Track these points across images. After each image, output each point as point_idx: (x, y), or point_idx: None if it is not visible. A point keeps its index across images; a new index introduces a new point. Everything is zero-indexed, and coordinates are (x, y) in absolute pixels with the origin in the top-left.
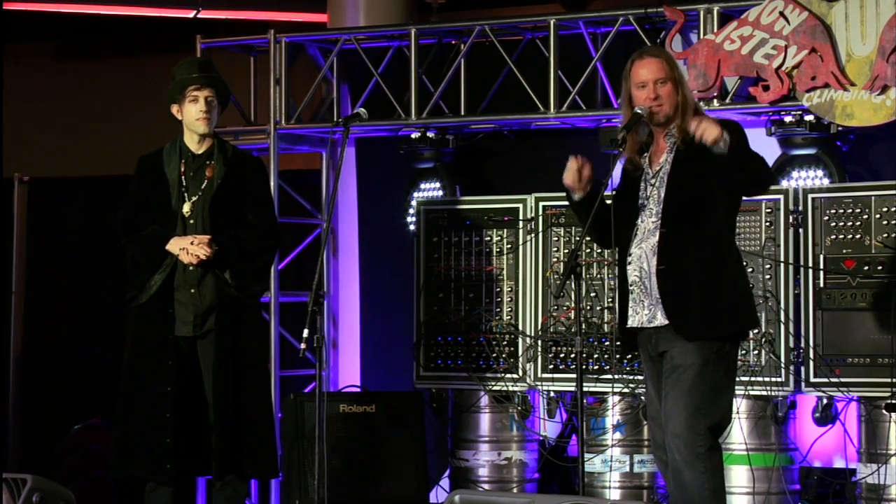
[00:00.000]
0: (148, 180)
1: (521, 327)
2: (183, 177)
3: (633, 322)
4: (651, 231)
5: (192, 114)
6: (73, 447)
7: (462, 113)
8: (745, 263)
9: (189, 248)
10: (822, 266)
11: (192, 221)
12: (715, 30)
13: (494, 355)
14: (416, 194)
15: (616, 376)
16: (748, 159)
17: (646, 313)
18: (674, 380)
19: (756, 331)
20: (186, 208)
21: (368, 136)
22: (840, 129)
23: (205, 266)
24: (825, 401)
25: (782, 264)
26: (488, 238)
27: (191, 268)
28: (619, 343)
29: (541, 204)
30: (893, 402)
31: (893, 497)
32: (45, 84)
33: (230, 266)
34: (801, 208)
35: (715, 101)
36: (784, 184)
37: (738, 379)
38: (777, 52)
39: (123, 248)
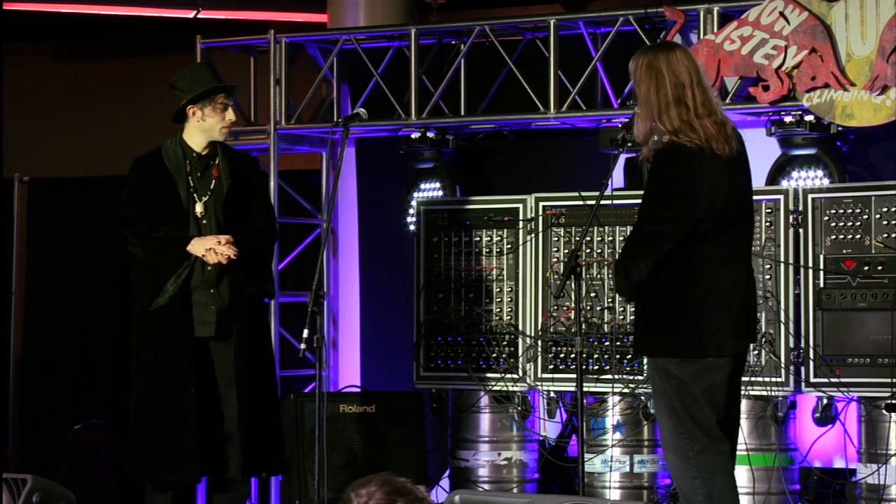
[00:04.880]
0: (151, 181)
1: (521, 327)
2: (190, 177)
3: None
4: None
5: (219, 121)
6: (73, 447)
7: (462, 113)
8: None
9: (217, 249)
10: (822, 266)
11: (204, 222)
12: (715, 30)
13: (494, 355)
14: (416, 194)
15: (616, 376)
16: (628, 265)
17: None
18: (652, 390)
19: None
20: (199, 209)
21: (368, 136)
22: (840, 129)
23: (224, 266)
24: (825, 401)
25: (782, 264)
26: (488, 238)
27: (209, 268)
28: None
29: (541, 204)
30: (893, 402)
31: (893, 497)
32: (45, 84)
33: (248, 266)
34: (801, 208)
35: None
36: (784, 184)
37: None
38: (777, 53)
39: (131, 251)
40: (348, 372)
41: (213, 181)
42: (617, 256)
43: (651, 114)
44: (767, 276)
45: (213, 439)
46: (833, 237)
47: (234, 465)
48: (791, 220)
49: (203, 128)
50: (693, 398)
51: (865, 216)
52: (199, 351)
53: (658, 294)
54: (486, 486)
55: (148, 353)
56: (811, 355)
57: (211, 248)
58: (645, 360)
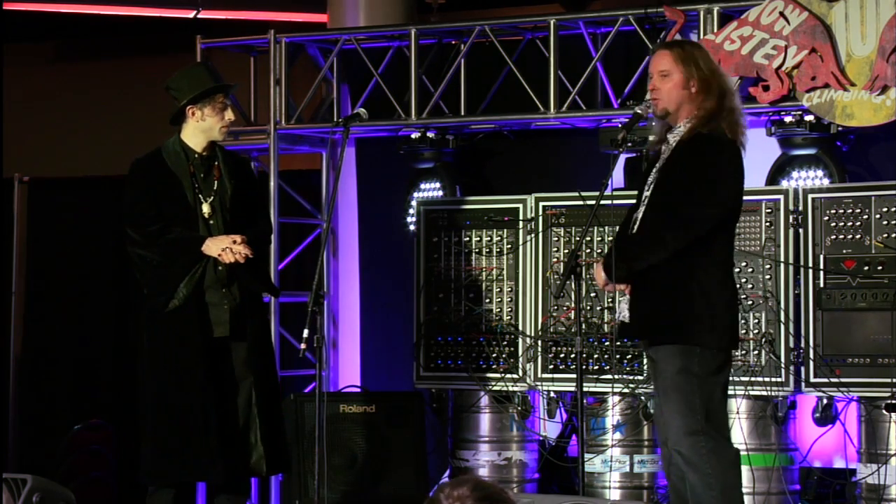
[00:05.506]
0: (155, 183)
1: (521, 327)
2: (194, 178)
3: (618, 316)
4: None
5: (219, 122)
6: (73, 447)
7: (462, 113)
8: (742, 266)
9: (233, 248)
10: (822, 266)
11: (212, 223)
12: (715, 30)
13: (494, 355)
14: (416, 194)
15: (616, 376)
16: (637, 260)
17: (628, 309)
18: (661, 385)
19: (756, 331)
20: (206, 209)
21: (368, 136)
22: (840, 129)
23: (234, 266)
24: (825, 401)
25: (782, 264)
26: (488, 238)
27: (220, 268)
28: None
29: (541, 204)
30: (893, 402)
31: (893, 497)
32: (45, 84)
33: (256, 265)
34: (801, 208)
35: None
36: (784, 184)
37: (738, 379)
38: (777, 52)
39: (141, 253)
40: (348, 372)
41: (216, 182)
42: (652, 224)
43: (712, 92)
44: (767, 276)
45: (227, 438)
46: (833, 237)
47: (253, 462)
48: (791, 220)
49: (203, 128)
50: (713, 394)
51: (865, 216)
52: (216, 351)
53: (682, 280)
54: None
55: (165, 355)
56: (811, 355)
57: (227, 248)
58: (652, 354)
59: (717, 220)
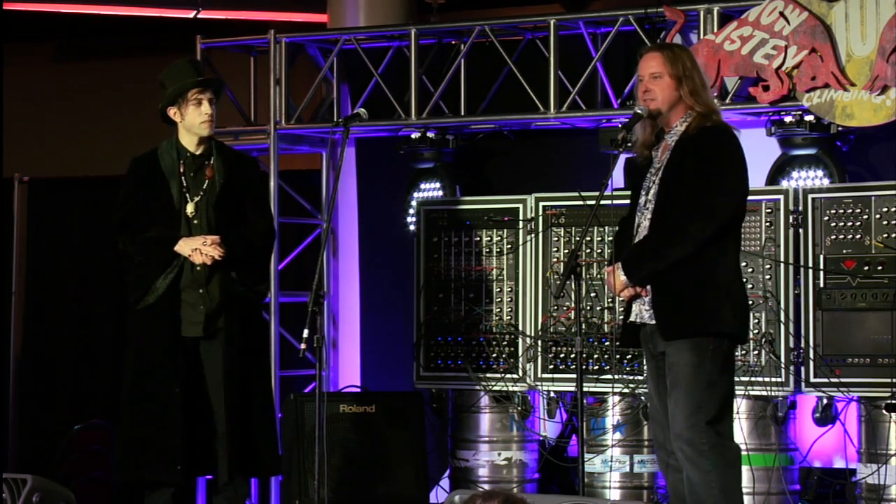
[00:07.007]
0: (145, 181)
1: (521, 327)
2: (183, 177)
3: (632, 317)
4: (648, 227)
5: (197, 117)
6: (73, 447)
7: (462, 113)
8: (742, 266)
9: (203, 249)
10: (822, 266)
11: (195, 222)
12: (715, 30)
13: (494, 355)
14: (416, 194)
15: (616, 376)
16: (661, 259)
17: (646, 309)
18: (672, 379)
19: (756, 331)
20: (190, 209)
21: (368, 136)
22: (840, 129)
23: (214, 266)
24: (825, 401)
25: (782, 264)
26: (488, 238)
27: (198, 268)
28: (618, 339)
29: (541, 204)
30: (893, 402)
31: (893, 497)
32: (44, 84)
33: (238, 266)
34: (801, 208)
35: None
36: (784, 184)
37: (738, 379)
38: (777, 53)
39: (125, 250)
40: (348, 372)
41: (207, 181)
42: (673, 219)
43: (706, 88)
44: (767, 276)
45: (206, 440)
46: (833, 237)
47: (222, 466)
48: (791, 220)
49: (186, 126)
50: (724, 390)
51: (865, 216)
52: (189, 351)
53: (702, 275)
54: (486, 487)
55: (136, 351)
56: (811, 355)
57: (197, 249)
58: (666, 348)
59: (735, 209)
